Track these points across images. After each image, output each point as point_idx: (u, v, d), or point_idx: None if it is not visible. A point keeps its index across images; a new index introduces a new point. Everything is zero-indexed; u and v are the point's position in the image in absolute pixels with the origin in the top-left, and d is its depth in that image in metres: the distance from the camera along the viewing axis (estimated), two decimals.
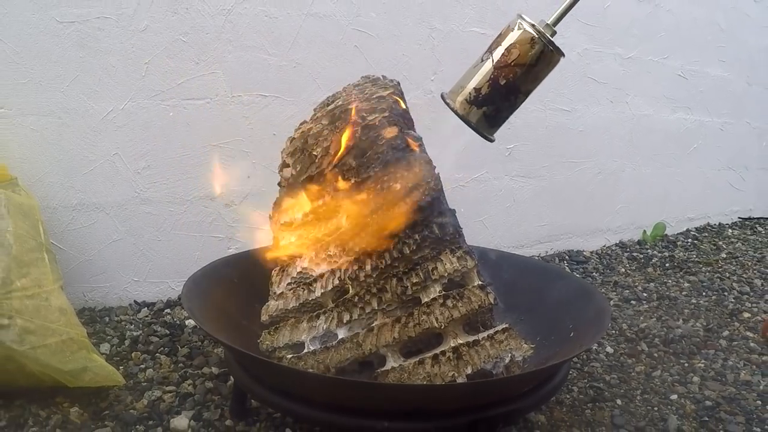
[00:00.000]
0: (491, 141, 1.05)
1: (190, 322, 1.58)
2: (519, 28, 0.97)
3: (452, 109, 1.02)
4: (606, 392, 1.38)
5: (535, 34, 0.97)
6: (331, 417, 0.99)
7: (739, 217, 3.28)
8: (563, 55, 1.00)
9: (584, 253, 2.49)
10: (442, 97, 1.04)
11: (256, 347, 1.15)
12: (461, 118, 1.02)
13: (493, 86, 0.99)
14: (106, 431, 1.12)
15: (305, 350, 1.09)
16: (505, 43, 0.98)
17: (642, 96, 2.63)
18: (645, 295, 2.03)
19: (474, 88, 1.00)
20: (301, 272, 1.14)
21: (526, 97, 1.02)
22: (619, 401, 1.35)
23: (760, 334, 1.72)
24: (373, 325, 1.07)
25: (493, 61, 0.99)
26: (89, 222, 1.61)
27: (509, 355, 1.08)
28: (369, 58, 1.91)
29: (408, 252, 1.08)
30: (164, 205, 1.68)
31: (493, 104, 1.00)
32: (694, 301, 2.00)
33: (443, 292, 1.08)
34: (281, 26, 1.76)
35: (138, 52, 1.59)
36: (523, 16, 0.99)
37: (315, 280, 1.12)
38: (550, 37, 0.98)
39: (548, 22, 0.99)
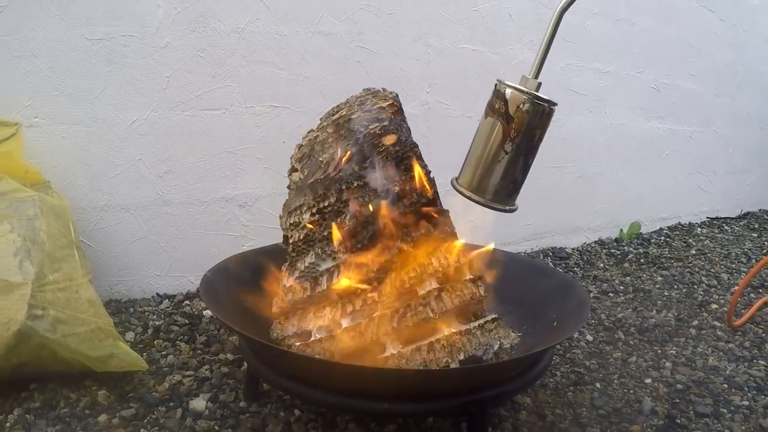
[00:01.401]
0: (515, 209, 0.95)
1: (207, 313, 1.58)
2: (533, 106, 0.86)
3: (483, 204, 0.92)
4: (586, 376, 1.38)
5: (546, 105, 0.88)
6: (335, 399, 0.99)
7: (707, 217, 3.28)
8: (556, 104, 0.91)
9: (566, 249, 2.48)
10: (462, 192, 0.91)
11: (267, 335, 1.15)
12: (497, 209, 0.92)
13: (525, 170, 0.91)
14: (130, 412, 1.12)
15: (312, 338, 1.09)
16: (526, 128, 0.87)
17: (619, 107, 2.63)
18: (622, 288, 2.03)
19: (511, 180, 0.90)
20: (308, 267, 1.14)
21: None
22: (598, 385, 1.35)
23: (726, 323, 1.72)
24: (374, 315, 1.07)
25: (520, 149, 0.88)
26: (115, 221, 1.60)
27: (498, 342, 1.08)
28: (370, 72, 1.91)
29: (406, 248, 1.08)
30: (184, 206, 1.68)
31: (522, 183, 0.92)
32: (666, 293, 2.00)
33: (438, 286, 1.08)
34: (290, 43, 1.76)
35: (160, 67, 1.59)
36: (514, 85, 0.87)
37: (321, 274, 1.12)
38: (547, 98, 0.88)
39: (537, 80, 0.88)
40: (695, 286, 2.09)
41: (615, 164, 2.67)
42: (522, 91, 0.87)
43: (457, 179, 0.94)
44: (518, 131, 0.87)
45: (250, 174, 1.76)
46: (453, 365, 1.03)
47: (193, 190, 1.69)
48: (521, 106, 0.87)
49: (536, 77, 0.89)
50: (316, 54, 1.80)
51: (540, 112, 0.88)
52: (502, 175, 0.90)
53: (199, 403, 1.16)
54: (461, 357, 1.04)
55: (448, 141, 2.12)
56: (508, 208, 0.94)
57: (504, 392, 1.04)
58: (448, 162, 2.14)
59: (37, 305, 1.10)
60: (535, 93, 0.88)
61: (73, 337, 1.12)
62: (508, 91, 0.87)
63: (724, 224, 3.19)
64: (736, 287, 2.08)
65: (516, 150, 0.88)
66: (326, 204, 1.11)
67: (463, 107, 2.14)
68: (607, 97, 2.57)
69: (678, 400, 1.29)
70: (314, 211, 1.13)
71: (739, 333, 1.68)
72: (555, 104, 0.90)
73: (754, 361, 1.51)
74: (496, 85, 0.90)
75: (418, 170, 1.04)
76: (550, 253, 2.41)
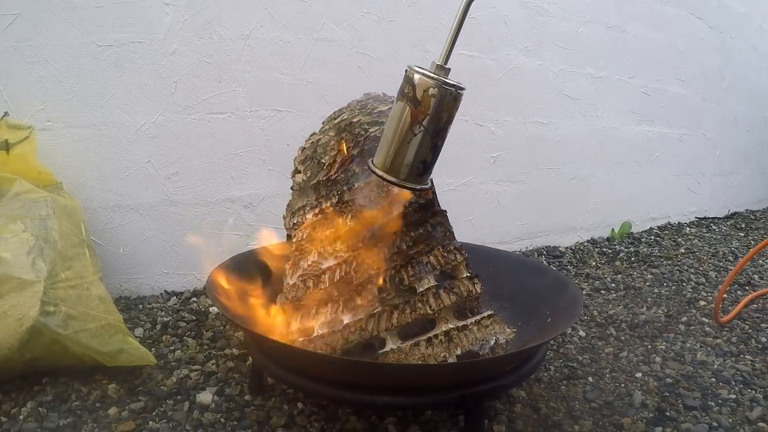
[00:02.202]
0: (428, 186, 0.95)
1: (214, 309, 1.58)
2: (440, 90, 0.86)
3: (394, 183, 0.91)
4: (579, 371, 1.38)
5: (453, 90, 0.87)
6: (337, 393, 0.99)
7: (695, 217, 3.28)
8: (464, 88, 0.90)
9: (560, 248, 2.48)
10: (375, 171, 0.91)
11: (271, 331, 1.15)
12: (408, 188, 0.92)
13: (435, 151, 0.91)
14: (139, 405, 1.11)
15: (315, 334, 1.09)
16: (434, 111, 0.87)
17: (610, 110, 2.62)
18: (613, 285, 2.03)
19: (420, 161, 0.90)
20: (311, 265, 1.13)
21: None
22: (590, 379, 1.35)
23: (713, 319, 1.72)
24: (374, 311, 1.07)
25: (428, 131, 0.87)
26: (125, 221, 1.60)
27: (494, 338, 1.08)
28: (371, 77, 1.91)
29: (405, 247, 1.08)
30: (191, 207, 1.68)
31: (433, 164, 0.92)
32: (656, 290, 1.99)
33: (436, 283, 1.08)
34: (293, 50, 1.76)
35: (168, 72, 1.59)
36: (423, 70, 0.87)
37: (323, 272, 1.12)
38: (455, 82, 0.87)
39: (444, 66, 0.88)
40: (684, 284, 2.08)
41: (607, 166, 2.67)
42: (430, 77, 0.87)
43: (372, 161, 0.93)
44: (425, 114, 0.87)
45: (254, 175, 1.76)
46: (450, 360, 1.03)
47: (199, 191, 1.69)
48: (428, 91, 0.86)
49: (445, 63, 0.88)
50: (318, 60, 1.80)
51: (447, 96, 0.87)
52: (413, 156, 0.89)
53: (205, 397, 1.16)
54: (458, 352, 1.04)
55: (445, 143, 2.12)
56: (419, 187, 0.93)
57: (500, 386, 1.04)
58: (445, 163, 2.15)
59: (50, 302, 1.10)
60: (443, 78, 0.87)
61: (84, 332, 1.12)
62: (416, 76, 0.87)
63: (712, 224, 3.19)
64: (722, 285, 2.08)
65: (424, 133, 0.88)
66: (328, 205, 1.11)
67: (460, 111, 2.12)
68: (599, 101, 2.57)
69: (668, 394, 1.29)
70: (317, 211, 1.13)
71: (726, 329, 1.68)
72: (462, 89, 0.89)
73: (741, 356, 1.51)
74: (406, 71, 0.90)
75: None
76: (544, 252, 2.41)
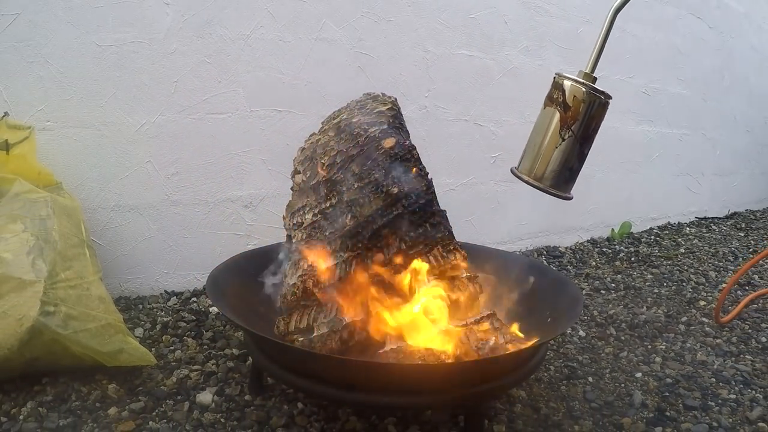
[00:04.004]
0: (571, 198, 0.96)
1: (214, 309, 1.58)
2: (588, 96, 0.89)
3: (539, 188, 0.93)
4: (579, 371, 1.38)
5: (602, 97, 0.90)
6: (337, 393, 0.99)
7: (695, 217, 3.28)
8: (611, 97, 0.93)
9: (560, 248, 2.48)
10: (521, 176, 0.93)
11: (271, 331, 1.15)
12: (551, 193, 0.93)
13: (581, 158, 0.92)
14: (139, 405, 1.11)
15: (315, 333, 1.09)
16: (583, 116, 0.90)
17: (610, 111, 2.59)
18: (613, 285, 2.03)
19: (566, 168, 0.91)
20: (311, 265, 1.13)
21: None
22: (590, 379, 1.35)
23: (714, 319, 1.72)
24: (374, 311, 1.07)
25: (576, 136, 0.90)
26: (125, 221, 1.60)
27: (493, 338, 1.08)
28: (370, 77, 1.91)
29: (405, 247, 1.08)
30: (191, 207, 1.68)
31: (578, 172, 0.94)
32: (656, 290, 2.00)
33: (435, 283, 1.08)
34: (293, 50, 1.76)
35: (168, 72, 1.59)
36: (572, 77, 0.90)
37: (323, 272, 1.12)
38: (602, 90, 0.90)
39: (592, 74, 0.91)
40: (684, 284, 2.08)
41: (607, 166, 2.67)
42: (580, 83, 0.90)
43: (517, 167, 0.95)
44: (575, 118, 0.89)
45: (254, 175, 1.76)
46: (450, 360, 1.03)
47: (199, 191, 1.68)
48: (578, 96, 0.89)
49: (592, 72, 0.91)
50: (318, 60, 1.80)
51: (596, 103, 0.90)
52: (560, 161, 0.91)
53: (205, 397, 1.16)
54: (458, 352, 1.04)
55: (445, 143, 2.12)
56: (565, 195, 0.94)
57: (500, 386, 1.04)
58: (445, 163, 2.15)
59: (50, 302, 1.10)
60: (592, 85, 0.90)
61: (84, 332, 1.12)
62: (567, 82, 0.90)
63: (711, 224, 3.19)
64: (724, 285, 2.08)
65: (573, 138, 0.90)
66: (328, 205, 1.11)
67: (460, 111, 2.13)
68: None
69: (667, 394, 1.29)
70: (316, 211, 1.13)
71: (726, 329, 1.68)
72: (610, 97, 0.92)
73: (741, 356, 1.51)
74: (555, 77, 0.92)
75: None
76: (544, 252, 2.41)
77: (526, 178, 0.93)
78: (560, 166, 0.91)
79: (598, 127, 0.92)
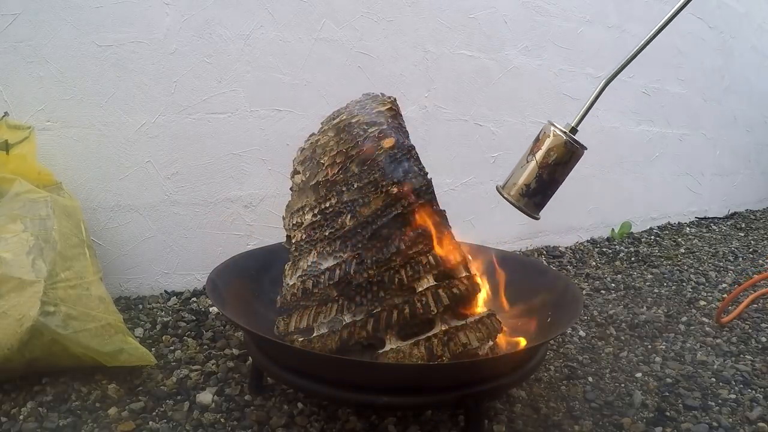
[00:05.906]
0: (537, 219, 1.13)
1: (214, 309, 1.58)
2: (554, 135, 1.07)
3: (508, 201, 1.10)
4: (579, 371, 1.38)
5: (567, 138, 1.06)
6: (337, 393, 0.99)
7: (695, 217, 3.28)
8: (586, 148, 1.09)
9: (560, 248, 2.48)
10: (498, 190, 1.11)
11: (271, 331, 1.15)
12: (516, 206, 1.10)
13: (539, 181, 1.08)
14: (139, 405, 1.11)
15: (314, 334, 1.09)
16: (545, 148, 1.07)
17: (610, 110, 2.62)
18: (613, 285, 2.03)
19: (524, 184, 1.09)
20: (310, 265, 1.13)
21: (561, 184, 1.11)
22: (590, 378, 1.35)
23: (714, 319, 1.72)
24: (374, 311, 1.07)
25: (537, 162, 1.08)
26: (125, 221, 1.60)
27: (493, 338, 1.08)
28: (370, 77, 1.91)
29: (404, 247, 1.08)
30: (191, 207, 1.68)
31: (539, 194, 1.10)
32: (656, 290, 2.00)
33: (435, 283, 1.08)
34: (293, 49, 1.76)
35: (168, 72, 1.59)
36: (554, 123, 1.08)
37: (323, 273, 1.12)
38: (575, 138, 1.07)
39: (573, 125, 1.08)
40: (684, 284, 2.08)
41: (607, 166, 2.67)
42: (557, 127, 1.07)
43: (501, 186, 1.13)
44: (539, 148, 1.08)
45: (254, 175, 1.76)
46: (450, 360, 1.03)
47: (199, 191, 1.69)
48: (546, 132, 1.08)
49: (576, 126, 1.09)
50: (318, 60, 1.80)
51: (567, 149, 1.07)
52: (520, 178, 1.09)
53: (205, 397, 1.16)
54: (458, 351, 1.04)
55: (445, 143, 2.12)
56: (527, 211, 1.10)
57: (499, 386, 1.04)
58: (445, 163, 2.15)
59: (50, 302, 1.10)
60: (563, 130, 1.07)
61: (84, 332, 1.12)
62: (549, 126, 1.09)
63: (712, 224, 3.19)
64: (727, 285, 2.08)
65: (534, 162, 1.08)
66: (327, 205, 1.11)
67: (460, 111, 2.13)
68: (599, 101, 2.55)
69: (667, 394, 1.29)
70: (316, 212, 1.13)
71: (726, 329, 1.68)
72: (585, 148, 1.08)
73: (741, 356, 1.51)
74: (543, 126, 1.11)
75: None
76: (544, 252, 2.41)
77: (501, 191, 1.11)
78: (520, 182, 1.09)
79: (566, 172, 1.10)
